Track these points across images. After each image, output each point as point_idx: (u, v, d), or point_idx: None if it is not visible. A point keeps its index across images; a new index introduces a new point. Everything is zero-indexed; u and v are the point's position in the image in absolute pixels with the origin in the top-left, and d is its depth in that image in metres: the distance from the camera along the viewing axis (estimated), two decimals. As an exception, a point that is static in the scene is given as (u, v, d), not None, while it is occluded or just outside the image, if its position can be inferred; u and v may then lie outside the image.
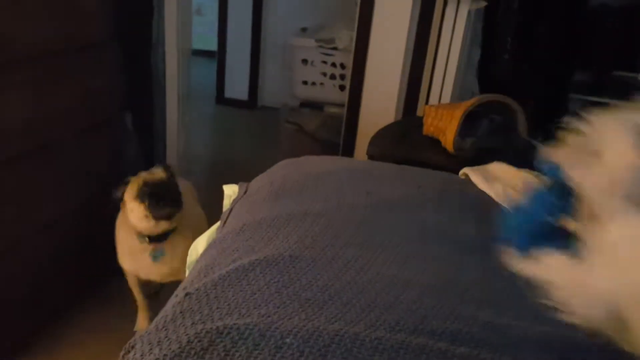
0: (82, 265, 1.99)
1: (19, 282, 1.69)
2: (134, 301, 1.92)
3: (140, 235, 1.62)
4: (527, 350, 0.63)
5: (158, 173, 1.62)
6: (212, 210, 1.55)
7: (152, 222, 1.56)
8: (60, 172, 1.80)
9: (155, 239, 1.61)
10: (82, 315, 1.91)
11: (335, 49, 3.16)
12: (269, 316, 0.64)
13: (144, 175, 1.61)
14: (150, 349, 0.61)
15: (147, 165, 2.62)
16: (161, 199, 1.55)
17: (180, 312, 0.65)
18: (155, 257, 1.63)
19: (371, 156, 1.59)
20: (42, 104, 1.66)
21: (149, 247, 1.62)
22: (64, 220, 1.86)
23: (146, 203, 1.54)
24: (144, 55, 2.40)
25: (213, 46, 4.19)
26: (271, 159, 1.68)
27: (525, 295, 0.74)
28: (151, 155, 2.64)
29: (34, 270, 1.74)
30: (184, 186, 1.84)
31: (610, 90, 2.67)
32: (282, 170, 1.15)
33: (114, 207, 1.75)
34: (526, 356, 0.62)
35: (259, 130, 3.75)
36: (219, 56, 4.07)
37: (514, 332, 0.66)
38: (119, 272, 2.20)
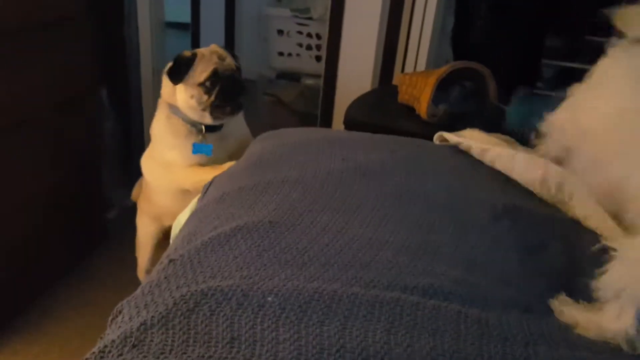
0: (63, 241, 1.99)
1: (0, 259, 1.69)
2: (118, 273, 1.94)
3: (191, 124, 1.41)
4: (494, 304, 0.67)
5: (228, 61, 1.41)
6: None
7: (207, 117, 1.38)
8: (36, 149, 1.79)
9: (210, 128, 1.42)
10: (66, 290, 1.92)
11: (310, 18, 3.14)
12: (250, 277, 0.67)
13: (212, 57, 1.37)
14: (138, 312, 0.64)
15: (125, 141, 2.61)
16: (229, 98, 1.38)
17: (165, 278, 0.68)
18: (198, 149, 1.42)
19: (347, 125, 1.62)
20: (14, 81, 1.63)
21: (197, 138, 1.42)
22: (43, 196, 1.85)
23: (212, 99, 1.36)
24: (117, 29, 2.37)
25: (186, 18, 4.12)
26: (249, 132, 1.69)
27: (494, 253, 0.79)
28: (128, 130, 2.62)
29: (15, 247, 1.74)
30: None
31: (583, 56, 2.72)
32: (260, 143, 1.17)
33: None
34: (493, 308, 0.66)
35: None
36: (193, 28, 4.01)
37: (483, 287, 0.70)
38: (98, 247, 2.21)
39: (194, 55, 1.37)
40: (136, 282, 1.87)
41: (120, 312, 0.67)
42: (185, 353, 0.57)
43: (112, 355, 0.59)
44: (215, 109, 1.37)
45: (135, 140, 2.65)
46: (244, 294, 0.64)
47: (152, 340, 0.59)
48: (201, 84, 1.35)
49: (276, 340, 0.59)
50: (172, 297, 0.64)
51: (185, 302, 0.63)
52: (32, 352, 1.66)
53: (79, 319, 1.81)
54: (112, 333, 0.63)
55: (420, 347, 0.59)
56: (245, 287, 0.65)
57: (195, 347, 0.58)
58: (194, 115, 1.40)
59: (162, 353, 0.58)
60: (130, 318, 0.63)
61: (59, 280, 1.96)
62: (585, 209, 0.87)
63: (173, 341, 0.59)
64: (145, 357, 0.58)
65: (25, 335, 1.72)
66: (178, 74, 1.38)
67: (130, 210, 2.39)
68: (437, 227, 0.83)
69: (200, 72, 1.36)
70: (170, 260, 0.71)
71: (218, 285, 0.65)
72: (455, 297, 0.67)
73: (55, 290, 1.91)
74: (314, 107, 2.57)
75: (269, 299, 0.64)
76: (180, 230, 0.87)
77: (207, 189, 0.99)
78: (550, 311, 0.69)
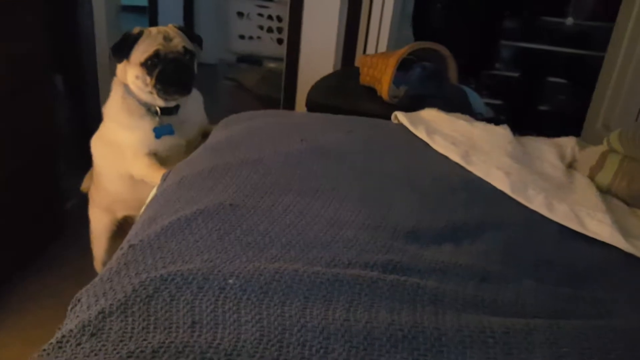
0: (21, 231, 1.93)
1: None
2: (78, 263, 1.90)
3: (146, 105, 1.36)
4: (451, 275, 0.69)
5: (175, 42, 1.33)
6: None
7: (156, 98, 1.32)
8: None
9: (166, 111, 1.35)
10: (25, 282, 1.87)
11: (271, 0, 3.10)
12: (211, 261, 0.67)
13: (158, 37, 1.31)
14: (97, 300, 0.63)
15: (82, 128, 2.53)
16: (171, 81, 1.30)
17: (125, 264, 0.67)
18: (160, 133, 1.35)
19: (309, 108, 1.62)
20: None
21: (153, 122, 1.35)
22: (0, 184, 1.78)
23: (153, 81, 1.29)
24: (70, 13, 2.28)
25: (143, 1, 4.01)
26: (210, 117, 1.67)
27: (451, 226, 0.81)
28: (84, 117, 2.55)
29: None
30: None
31: (540, 36, 2.79)
32: (221, 128, 1.16)
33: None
34: (450, 280, 0.68)
35: (197, 87, 3.67)
36: (150, 12, 3.90)
37: (439, 260, 0.71)
38: (57, 236, 2.16)
39: (140, 33, 1.32)
40: (96, 272, 1.83)
41: (79, 300, 0.66)
42: (145, 340, 0.56)
43: (71, 345, 0.58)
44: (158, 90, 1.30)
45: (92, 128, 2.58)
46: (205, 277, 0.64)
47: (111, 328, 0.59)
48: (143, 64, 1.30)
49: (238, 323, 0.59)
50: (132, 284, 0.63)
51: (144, 288, 0.62)
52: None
53: (39, 310, 1.76)
54: (70, 322, 0.62)
55: (379, 322, 0.60)
56: (206, 270, 0.64)
57: (156, 334, 0.57)
58: (144, 96, 1.35)
59: (121, 341, 0.57)
60: (88, 307, 0.62)
61: (17, 271, 1.90)
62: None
63: (133, 328, 0.58)
64: (104, 345, 0.57)
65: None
66: (120, 51, 1.33)
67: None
68: (396, 204, 0.84)
69: (142, 51, 1.30)
70: (130, 246, 0.70)
71: (178, 270, 0.64)
72: (413, 271, 0.69)
73: (14, 282, 1.86)
74: (276, 91, 2.55)
75: (230, 281, 0.63)
76: (141, 215, 0.86)
77: (167, 176, 0.98)
78: (506, 280, 0.72)
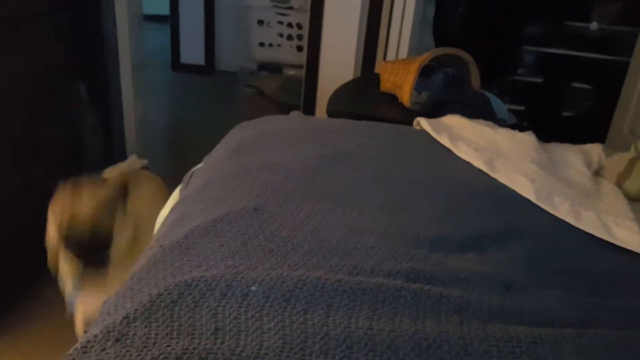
0: (41, 241, 1.96)
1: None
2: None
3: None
4: (475, 284, 0.68)
5: (84, 208, 1.22)
6: (174, 180, 1.55)
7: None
8: (13, 146, 1.76)
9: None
10: (47, 289, 1.90)
11: (290, 8, 3.13)
12: (234, 267, 0.67)
13: (70, 205, 1.23)
14: (123, 303, 0.63)
15: (106, 136, 2.57)
16: (82, 255, 1.22)
17: (154, 264, 0.68)
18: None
19: (330, 115, 1.62)
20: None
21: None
22: (23, 194, 1.82)
23: (65, 249, 1.23)
24: (94, 22, 2.33)
25: (165, 10, 4.07)
26: (231, 126, 1.68)
27: (472, 234, 0.80)
28: (109, 125, 2.59)
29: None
30: (149, 187, 1.51)
31: (563, 41, 2.75)
32: (239, 132, 1.16)
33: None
34: (474, 288, 0.67)
35: (218, 95, 3.71)
36: (172, 20, 3.96)
37: (463, 268, 0.70)
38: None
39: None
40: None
41: (107, 302, 0.67)
42: (169, 346, 0.57)
43: (95, 350, 0.59)
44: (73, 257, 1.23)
45: (115, 135, 2.62)
46: (228, 284, 0.64)
47: (135, 334, 0.59)
48: (57, 231, 1.28)
49: (261, 330, 0.58)
50: (157, 288, 0.64)
51: (169, 293, 0.62)
52: (19, 350, 1.65)
53: (62, 317, 1.79)
54: (96, 327, 0.63)
55: (403, 331, 0.59)
56: (229, 277, 0.64)
57: (179, 340, 0.57)
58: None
59: (145, 347, 0.57)
60: (115, 310, 0.63)
61: (39, 279, 1.93)
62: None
63: (157, 334, 0.58)
64: (128, 351, 0.57)
65: (9, 335, 1.70)
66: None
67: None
68: (419, 211, 0.83)
69: (56, 213, 1.31)
70: (160, 246, 0.70)
71: (202, 276, 0.64)
72: (437, 280, 0.68)
73: (36, 290, 1.89)
74: (296, 98, 2.56)
75: (253, 288, 0.63)
76: (167, 217, 0.86)
77: (189, 179, 0.98)
78: (531, 288, 0.70)
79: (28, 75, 1.80)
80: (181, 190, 0.99)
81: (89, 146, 2.40)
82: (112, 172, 1.56)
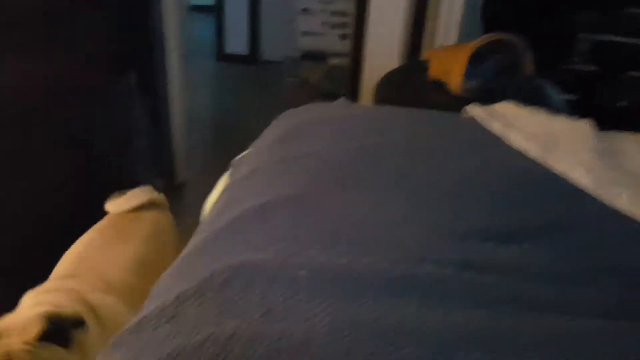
0: (96, 220, 2.03)
1: (9, 251, 1.73)
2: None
3: None
4: (529, 275, 0.66)
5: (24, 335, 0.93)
6: (217, 168, 1.56)
7: None
8: (65, 133, 1.82)
9: None
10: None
11: (335, -4, 3.11)
12: (283, 252, 0.67)
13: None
14: (175, 284, 0.64)
15: (153, 125, 2.63)
16: None
17: (204, 246, 0.68)
18: None
19: (377, 103, 1.60)
20: (36, 68, 1.65)
21: None
22: (74, 180, 1.89)
23: None
24: (142, 13, 2.38)
25: (211, 1, 4.12)
26: (275, 115, 1.69)
27: (525, 225, 0.77)
28: (156, 114, 2.65)
29: (41, 233, 1.78)
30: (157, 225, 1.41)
31: (620, 28, 2.62)
32: (286, 119, 1.16)
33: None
34: (528, 280, 0.65)
35: (262, 85, 3.74)
36: (217, 11, 4.01)
37: (516, 259, 0.68)
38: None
39: None
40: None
41: (157, 286, 0.68)
42: (219, 326, 0.57)
43: (148, 329, 0.60)
44: None
45: (163, 125, 2.67)
46: (277, 268, 0.64)
47: (186, 313, 0.60)
48: None
49: (310, 314, 0.58)
50: (207, 270, 0.64)
51: (219, 276, 0.63)
52: None
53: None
54: (149, 306, 0.64)
55: (453, 321, 0.58)
56: (278, 261, 0.65)
57: (229, 320, 0.58)
58: None
59: (196, 326, 0.58)
60: (168, 290, 0.64)
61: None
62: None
63: (207, 314, 0.59)
64: (180, 330, 0.58)
65: None
66: None
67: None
68: (469, 201, 0.81)
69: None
70: (208, 232, 0.72)
71: (251, 259, 0.65)
72: (488, 271, 0.66)
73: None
74: (340, 87, 2.55)
75: (302, 273, 0.63)
76: (215, 204, 0.87)
77: (237, 165, 0.99)
78: (587, 281, 0.67)
79: (81, 65, 1.85)
80: (230, 176, 1.00)
81: (137, 135, 2.46)
82: (116, 206, 1.44)
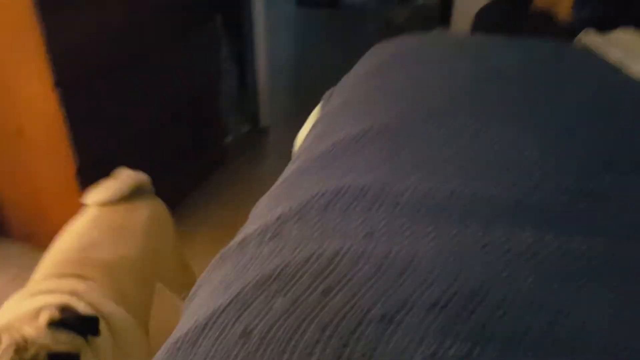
0: (186, 163, 2.12)
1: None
2: (235, 194, 2.04)
3: None
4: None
5: (35, 351, 0.91)
6: (299, 112, 1.55)
7: None
8: (159, 75, 1.88)
9: None
10: (190, 209, 2.07)
11: None
12: (384, 177, 0.65)
13: (7, 352, 0.91)
14: (275, 206, 0.65)
15: (238, 69, 2.67)
16: None
17: (301, 173, 0.68)
18: None
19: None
20: (132, 12, 1.70)
21: None
22: (166, 122, 1.96)
23: None
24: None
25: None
26: (358, 59, 1.64)
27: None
28: (241, 58, 2.68)
29: (144, 168, 1.88)
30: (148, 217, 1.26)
31: None
32: (379, 50, 1.11)
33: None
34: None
35: (344, 29, 3.65)
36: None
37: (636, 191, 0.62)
38: (218, 169, 2.33)
39: None
40: (251, 202, 1.96)
41: (256, 208, 0.69)
42: (322, 245, 0.57)
43: (251, 246, 0.61)
44: None
45: (248, 68, 2.70)
46: (378, 192, 0.62)
47: (289, 233, 0.60)
48: None
49: (414, 237, 0.57)
50: (306, 193, 0.64)
51: (319, 198, 0.63)
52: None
53: (203, 234, 1.94)
54: (250, 226, 0.65)
55: (570, 250, 0.54)
56: (379, 186, 0.63)
57: (332, 240, 0.58)
58: None
59: (299, 244, 0.58)
60: (268, 212, 0.65)
61: (182, 200, 2.11)
62: None
63: (310, 234, 0.59)
64: (283, 248, 0.59)
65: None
66: None
67: (244, 138, 2.49)
68: (584, 130, 0.74)
69: None
70: (305, 159, 0.71)
71: (351, 184, 0.64)
72: (609, 200, 0.61)
73: (180, 209, 2.06)
74: (428, 28, 2.43)
75: (404, 197, 0.61)
76: (306, 137, 0.87)
77: (329, 97, 0.98)
78: None
79: (175, 8, 1.89)
80: (321, 108, 0.99)
81: (223, 79, 2.51)
82: (95, 197, 1.30)
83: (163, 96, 1.88)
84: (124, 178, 1.30)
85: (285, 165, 0.83)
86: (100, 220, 1.24)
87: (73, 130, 1.48)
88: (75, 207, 1.66)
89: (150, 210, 1.32)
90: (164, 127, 1.92)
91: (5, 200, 1.79)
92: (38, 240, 1.82)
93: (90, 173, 1.60)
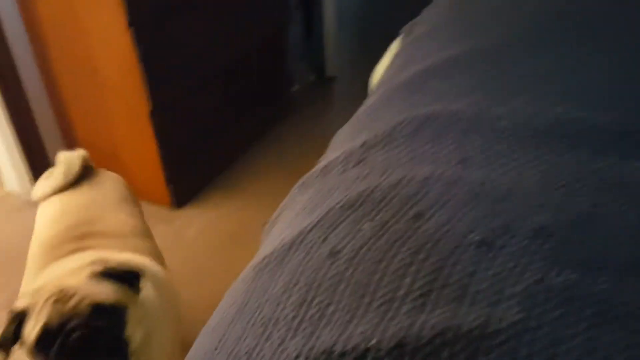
0: (255, 109, 2.12)
1: (201, 124, 1.86)
2: (301, 142, 2.03)
3: None
4: None
5: (75, 302, 0.82)
6: (365, 63, 1.48)
7: None
8: (228, 21, 1.86)
9: None
10: (258, 155, 2.08)
11: None
12: (479, 102, 0.60)
13: (47, 304, 0.82)
14: (359, 133, 0.62)
15: (305, 16, 2.61)
16: None
17: (387, 101, 0.65)
18: None
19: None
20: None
21: None
22: (235, 67, 1.95)
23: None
24: None
25: None
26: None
27: None
28: (309, 5, 2.61)
29: (215, 112, 1.89)
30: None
31: None
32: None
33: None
34: None
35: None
36: None
37: None
38: (285, 117, 2.32)
39: (24, 311, 0.84)
40: (316, 151, 1.94)
41: (337, 136, 0.67)
42: (412, 170, 0.54)
43: (335, 172, 0.59)
44: None
45: (315, 17, 2.64)
46: (473, 117, 0.58)
47: (375, 158, 0.58)
48: (34, 352, 0.83)
49: (515, 164, 0.52)
50: (393, 119, 0.61)
51: (408, 124, 0.59)
52: (234, 205, 1.86)
53: (270, 179, 1.96)
54: (332, 153, 0.63)
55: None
56: (474, 110, 0.59)
57: (423, 166, 0.54)
58: None
59: (387, 170, 0.55)
60: (352, 138, 0.62)
61: (251, 145, 2.12)
62: None
63: (398, 159, 0.56)
64: (369, 172, 0.56)
65: (227, 191, 1.93)
66: (6, 345, 0.86)
67: (311, 87, 2.45)
68: None
69: (30, 332, 0.83)
70: (389, 87, 0.67)
71: (444, 109, 0.60)
72: None
73: (249, 154, 2.08)
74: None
75: (503, 123, 0.57)
76: (390, 65, 0.82)
77: (410, 28, 0.92)
78: None
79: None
80: (402, 40, 0.94)
81: (292, 28, 2.46)
82: (45, 189, 1.16)
83: (232, 41, 1.87)
84: (68, 160, 1.16)
85: (352, 114, 0.77)
86: (68, 205, 1.11)
87: (146, 71, 1.50)
88: (147, 150, 1.70)
89: (112, 179, 1.23)
90: (232, 73, 1.92)
91: (81, 142, 1.87)
92: (112, 181, 1.90)
93: (162, 115, 1.63)
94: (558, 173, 0.50)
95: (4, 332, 0.84)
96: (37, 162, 1.88)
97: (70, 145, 1.95)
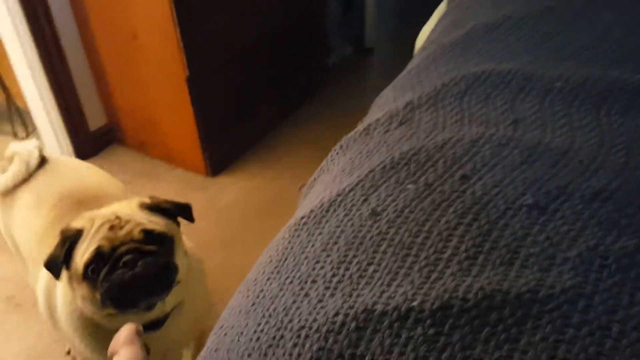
0: (293, 79, 2.10)
1: (237, 93, 1.84)
2: (337, 114, 2.00)
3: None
4: None
5: (128, 228, 0.85)
6: (404, 35, 1.44)
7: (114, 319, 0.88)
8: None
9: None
10: (295, 125, 2.07)
11: None
12: (532, 63, 0.57)
13: (102, 229, 0.84)
14: (403, 93, 0.60)
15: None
16: (126, 289, 0.83)
17: (434, 60, 0.62)
18: None
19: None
20: None
21: None
22: (276, 35, 1.93)
23: (98, 296, 0.84)
24: None
25: None
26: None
27: None
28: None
29: (255, 81, 1.88)
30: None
31: None
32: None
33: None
34: None
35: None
36: None
37: None
38: (322, 88, 2.28)
39: (79, 233, 0.85)
40: (353, 121, 1.92)
41: (380, 97, 0.64)
42: (460, 131, 0.51)
43: (379, 132, 0.57)
44: (109, 309, 0.85)
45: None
46: (526, 78, 0.55)
47: (420, 119, 0.55)
48: (84, 276, 0.83)
49: (570, 126, 0.49)
50: (441, 79, 0.58)
51: (456, 84, 0.56)
52: (268, 175, 1.86)
53: (305, 149, 1.95)
54: (375, 114, 0.61)
55: None
56: (527, 71, 0.55)
57: (472, 127, 0.52)
58: (104, 321, 0.88)
59: (433, 130, 0.53)
60: (395, 99, 0.60)
61: (287, 117, 2.11)
62: None
63: (445, 120, 0.54)
64: (414, 133, 0.54)
65: (261, 161, 1.92)
66: (55, 266, 0.85)
67: (348, 59, 2.41)
68: None
69: (81, 256, 0.84)
70: (438, 44, 0.64)
71: (494, 69, 0.56)
72: None
73: (285, 126, 2.07)
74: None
75: (557, 84, 0.53)
76: (438, 24, 0.79)
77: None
78: None
79: None
80: (448, 3, 0.90)
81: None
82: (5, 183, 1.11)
83: (270, 11, 1.84)
84: (26, 152, 1.11)
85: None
86: (42, 191, 1.08)
87: (185, 37, 1.49)
88: (184, 118, 1.71)
89: (65, 161, 1.19)
90: (270, 44, 1.89)
91: (120, 110, 1.89)
92: (150, 148, 1.91)
93: (199, 82, 1.63)
94: (617, 136, 0.47)
95: (53, 253, 0.85)
96: (78, 129, 1.92)
97: (110, 113, 1.97)
